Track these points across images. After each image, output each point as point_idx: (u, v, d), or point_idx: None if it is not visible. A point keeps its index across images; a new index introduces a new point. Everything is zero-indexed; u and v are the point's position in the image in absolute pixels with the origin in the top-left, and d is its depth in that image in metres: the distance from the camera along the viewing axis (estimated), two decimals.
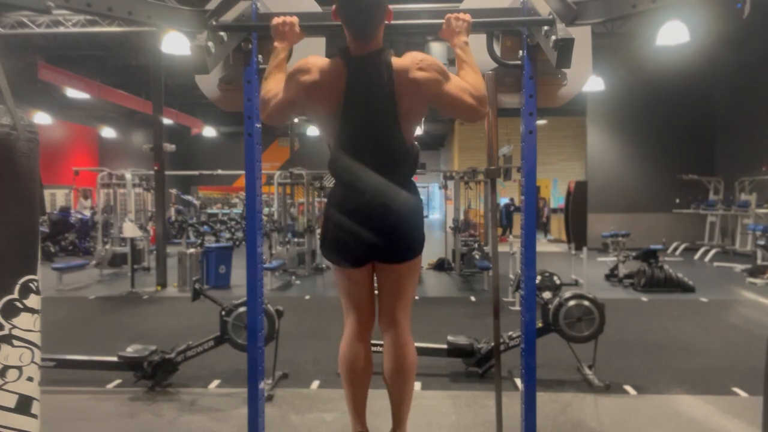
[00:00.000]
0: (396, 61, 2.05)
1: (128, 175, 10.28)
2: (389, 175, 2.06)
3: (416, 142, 2.18)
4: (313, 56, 2.11)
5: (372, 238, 2.06)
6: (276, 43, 2.20)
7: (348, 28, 2.02)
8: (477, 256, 9.50)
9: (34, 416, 1.89)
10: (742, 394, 3.92)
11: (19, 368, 1.84)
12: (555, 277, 5.35)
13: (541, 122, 16.01)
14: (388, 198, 2.04)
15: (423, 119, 2.17)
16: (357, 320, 2.24)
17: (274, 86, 2.15)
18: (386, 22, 2.09)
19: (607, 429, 3.41)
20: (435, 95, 2.07)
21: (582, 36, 2.39)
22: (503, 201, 17.26)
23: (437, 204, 26.71)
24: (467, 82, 2.11)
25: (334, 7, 2.05)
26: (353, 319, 2.24)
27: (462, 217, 10.88)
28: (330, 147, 2.14)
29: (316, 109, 2.10)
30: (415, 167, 2.16)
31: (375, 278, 2.25)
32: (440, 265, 10.32)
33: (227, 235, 15.29)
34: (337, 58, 2.04)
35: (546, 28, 2.13)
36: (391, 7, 2.18)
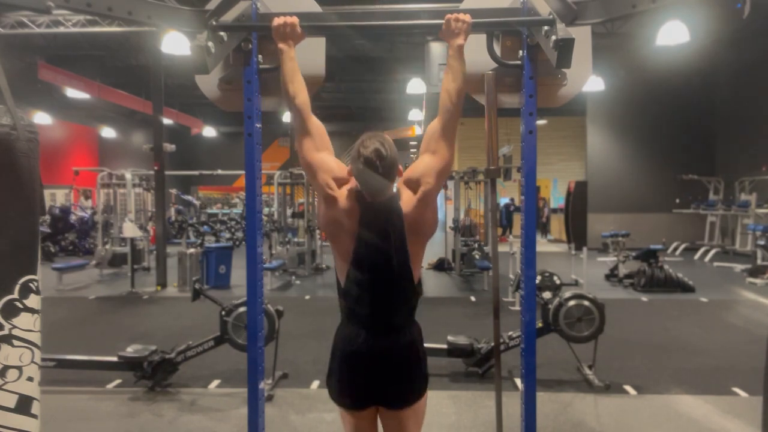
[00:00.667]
0: (401, 203, 2.07)
1: (128, 175, 10.28)
2: (395, 316, 2.08)
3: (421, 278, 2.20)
4: (342, 179, 2.09)
5: (374, 383, 2.06)
6: (281, 45, 2.19)
7: (362, 189, 2.04)
8: (477, 256, 9.50)
9: (34, 416, 1.89)
10: (742, 394, 3.92)
11: (19, 368, 1.84)
12: (555, 277, 5.35)
13: (541, 122, 16.00)
14: (393, 342, 2.06)
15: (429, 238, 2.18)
16: None
17: (300, 90, 2.13)
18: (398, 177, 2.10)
19: (607, 429, 3.41)
20: (439, 175, 2.08)
21: (582, 36, 2.39)
22: (503, 201, 17.26)
23: (437, 204, 26.69)
24: (444, 88, 2.11)
25: (349, 167, 2.05)
26: None
27: (462, 216, 10.87)
28: (339, 283, 2.15)
29: (324, 221, 2.10)
30: (417, 304, 2.17)
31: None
32: (440, 265, 10.32)
33: (227, 235, 15.29)
34: (353, 198, 2.05)
35: (546, 28, 2.13)
36: (391, 7, 2.17)
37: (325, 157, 2.12)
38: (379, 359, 2.05)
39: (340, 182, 2.08)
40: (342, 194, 2.07)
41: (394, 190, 2.09)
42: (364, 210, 2.05)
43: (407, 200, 2.08)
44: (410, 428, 2.16)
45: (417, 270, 2.11)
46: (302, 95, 2.13)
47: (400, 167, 2.08)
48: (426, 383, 2.16)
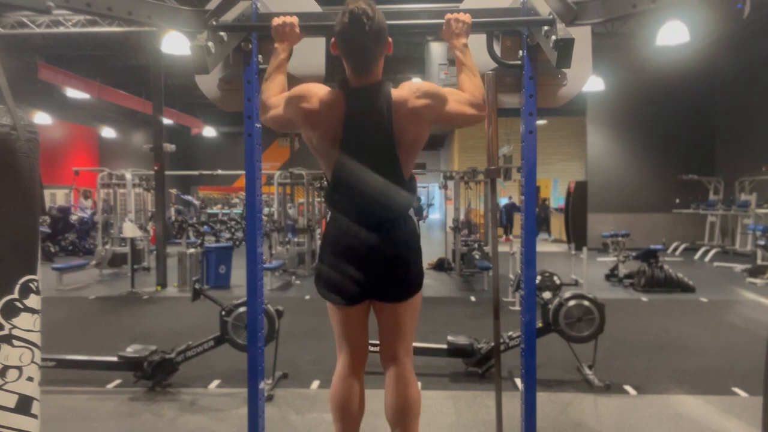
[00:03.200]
0: (394, 93, 2.01)
1: (128, 175, 10.28)
2: (387, 209, 2.04)
3: (414, 175, 2.16)
4: (314, 85, 2.07)
5: (368, 277, 2.03)
6: (276, 44, 2.19)
7: (347, 62, 1.99)
8: (477, 256, 9.50)
9: (34, 416, 1.89)
10: (742, 394, 3.92)
11: (19, 368, 1.84)
12: (555, 277, 5.34)
13: (541, 122, 16.02)
14: (385, 235, 2.02)
15: (421, 149, 2.15)
16: (350, 356, 2.18)
17: (274, 90, 2.14)
18: (386, 54, 2.05)
19: (607, 429, 3.41)
20: (438, 118, 2.06)
21: (582, 36, 2.39)
22: (503, 201, 17.26)
23: (437, 204, 26.70)
24: (465, 89, 2.10)
25: (333, 40, 2.02)
26: (346, 355, 2.19)
27: (462, 217, 10.87)
28: (327, 181, 2.12)
29: (314, 137, 2.06)
30: (412, 201, 2.12)
31: (373, 313, 2.20)
32: (440, 265, 10.31)
33: (227, 235, 15.28)
34: (336, 90, 2.01)
35: (546, 28, 2.13)
36: (391, 6, 2.17)
37: (286, 94, 2.09)
38: (371, 252, 2.00)
39: (312, 94, 2.02)
40: (321, 95, 2.00)
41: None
42: (349, 96, 1.97)
43: (404, 96, 1.99)
44: (406, 320, 2.13)
45: (407, 167, 2.06)
46: (275, 98, 2.12)
47: (389, 40, 1.99)
48: (421, 278, 2.13)
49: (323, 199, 2.26)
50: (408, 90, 2.03)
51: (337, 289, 2.08)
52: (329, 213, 2.15)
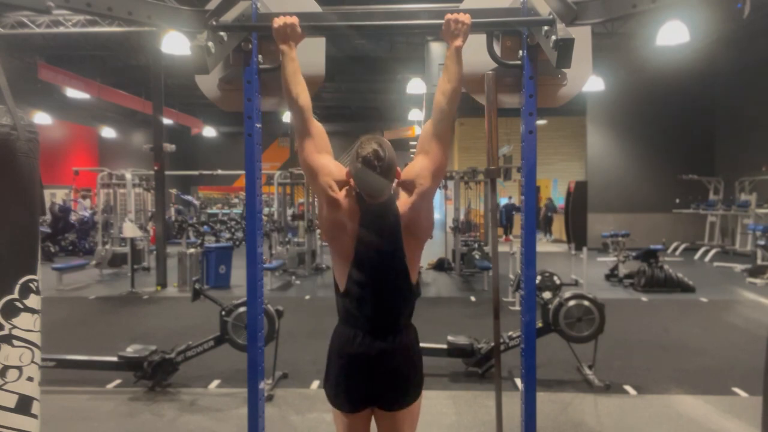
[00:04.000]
0: (398, 204, 2.08)
1: (128, 175, 10.28)
2: (394, 317, 2.09)
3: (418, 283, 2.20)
4: (343, 182, 2.09)
5: (372, 385, 2.07)
6: (282, 46, 2.18)
7: (362, 191, 2.06)
8: (477, 256, 9.50)
9: (34, 416, 1.89)
10: (742, 394, 3.92)
11: (19, 368, 1.84)
12: (555, 277, 5.34)
13: (541, 122, 16.01)
14: (391, 344, 2.06)
15: (425, 243, 2.19)
16: None
17: (302, 91, 2.13)
18: (395, 179, 2.09)
19: (607, 429, 3.41)
20: (434, 175, 2.09)
21: (582, 36, 2.39)
22: (503, 201, 17.27)
23: (437, 204, 26.72)
24: (439, 89, 2.11)
25: (347, 169, 2.06)
26: None
27: (462, 217, 10.87)
28: (336, 287, 2.14)
29: (327, 224, 2.10)
30: (413, 307, 2.18)
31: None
32: (440, 265, 10.31)
33: (227, 235, 15.29)
34: (354, 199, 2.06)
35: (546, 28, 2.13)
36: (391, 7, 2.16)
37: (326, 159, 2.12)
38: (376, 361, 2.05)
39: (341, 184, 2.09)
40: (342, 196, 2.08)
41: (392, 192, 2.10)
42: (363, 211, 2.06)
43: (403, 201, 2.09)
44: (405, 429, 2.17)
45: (414, 271, 2.12)
46: (304, 96, 2.13)
47: (398, 169, 2.09)
48: (422, 385, 2.17)
49: (337, 307, 2.36)
50: (403, 198, 2.09)
51: (341, 397, 2.13)
52: (338, 316, 2.18)
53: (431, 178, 2.09)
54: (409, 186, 2.10)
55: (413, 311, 2.17)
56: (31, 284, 1.88)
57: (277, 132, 22.83)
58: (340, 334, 2.13)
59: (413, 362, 2.13)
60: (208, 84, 2.56)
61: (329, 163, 2.12)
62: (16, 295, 1.84)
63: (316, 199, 2.14)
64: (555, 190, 18.87)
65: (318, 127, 2.14)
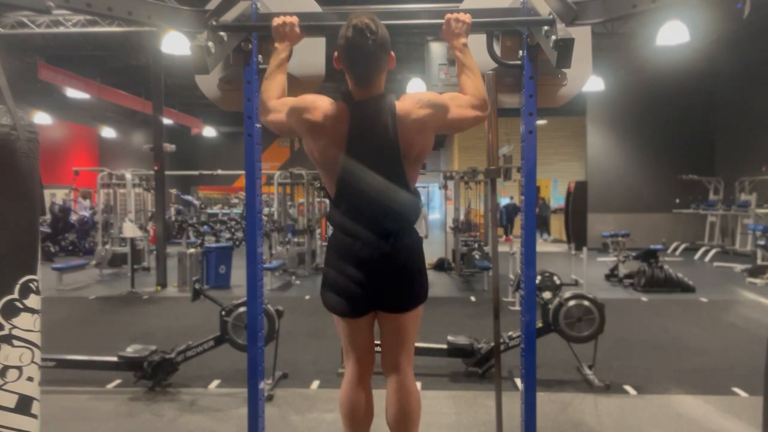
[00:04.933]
0: (398, 105, 2.01)
1: (128, 175, 10.29)
2: (393, 220, 2.03)
3: (417, 188, 2.16)
4: (318, 97, 2.06)
5: (374, 288, 2.03)
6: (277, 44, 2.19)
7: (350, 75, 1.98)
8: (477, 256, 9.50)
9: (34, 416, 1.89)
10: (742, 394, 3.92)
11: (19, 368, 1.84)
12: (555, 277, 5.34)
13: (541, 122, 16.01)
14: (392, 246, 2.01)
15: (425, 158, 2.15)
16: (358, 363, 2.20)
17: (275, 90, 2.13)
18: (389, 68, 2.03)
19: (607, 429, 3.41)
20: (442, 125, 2.07)
21: (582, 36, 2.39)
22: (503, 201, 17.25)
23: (437, 204, 26.70)
24: (466, 90, 2.09)
25: (335, 54, 2.02)
26: (354, 362, 2.21)
27: (462, 217, 10.87)
28: (329, 195, 2.10)
29: (316, 150, 2.05)
30: (418, 212, 2.12)
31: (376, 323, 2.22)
32: (440, 265, 10.32)
33: (227, 235, 15.28)
34: (340, 102, 2.01)
35: (546, 28, 2.13)
36: (391, 7, 2.16)
37: (287, 100, 2.09)
38: (379, 263, 2.00)
39: (316, 106, 2.02)
40: (321, 111, 2.00)
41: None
42: (353, 110, 1.98)
43: (407, 108, 2.00)
44: (409, 330, 2.15)
45: (411, 174, 2.05)
46: (276, 101, 2.11)
47: (392, 53, 1.99)
48: (426, 290, 2.13)
49: (326, 216, 2.27)
50: (410, 101, 2.03)
51: (342, 303, 2.08)
52: (332, 228, 2.15)
53: (446, 119, 2.03)
54: (420, 103, 2.00)
55: (415, 216, 2.11)
56: (31, 284, 1.88)
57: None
58: (338, 241, 2.07)
59: (416, 265, 2.09)
60: (208, 84, 2.56)
61: (293, 99, 2.08)
62: (16, 295, 1.84)
63: (303, 142, 2.08)
64: (555, 190, 18.87)
65: (282, 99, 2.12)
